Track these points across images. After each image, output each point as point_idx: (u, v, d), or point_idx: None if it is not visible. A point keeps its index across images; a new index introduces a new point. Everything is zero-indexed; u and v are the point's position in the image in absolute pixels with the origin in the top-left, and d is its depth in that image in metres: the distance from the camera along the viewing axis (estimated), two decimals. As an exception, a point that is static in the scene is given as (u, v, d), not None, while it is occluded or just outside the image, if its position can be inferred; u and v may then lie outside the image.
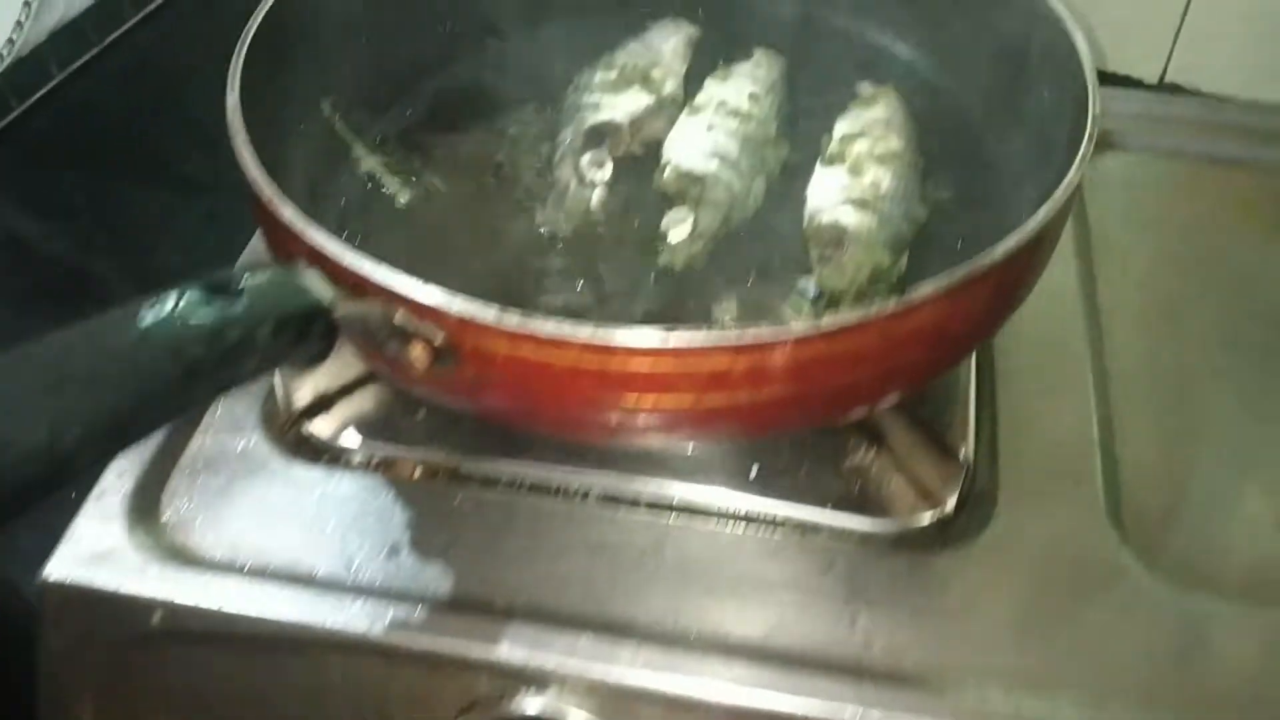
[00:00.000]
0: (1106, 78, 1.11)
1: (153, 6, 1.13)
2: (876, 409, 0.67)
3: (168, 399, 0.45)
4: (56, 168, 0.97)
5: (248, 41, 0.69)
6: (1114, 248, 0.86)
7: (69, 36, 1.04)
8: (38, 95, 1.02)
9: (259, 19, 0.71)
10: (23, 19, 0.94)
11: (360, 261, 0.55)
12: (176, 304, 0.47)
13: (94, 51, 1.09)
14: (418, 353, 0.56)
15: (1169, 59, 1.09)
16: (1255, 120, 0.96)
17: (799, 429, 0.68)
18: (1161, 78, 1.11)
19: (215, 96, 0.64)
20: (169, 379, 0.45)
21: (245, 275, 0.50)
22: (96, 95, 1.04)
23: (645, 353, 0.54)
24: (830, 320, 0.54)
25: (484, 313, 0.54)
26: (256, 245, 0.81)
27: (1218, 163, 0.94)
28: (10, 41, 0.93)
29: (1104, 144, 0.94)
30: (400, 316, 0.55)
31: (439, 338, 0.55)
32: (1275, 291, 0.83)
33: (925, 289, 0.55)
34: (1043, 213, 0.59)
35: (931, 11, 0.85)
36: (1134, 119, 0.96)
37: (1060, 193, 0.61)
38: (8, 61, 0.94)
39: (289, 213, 0.58)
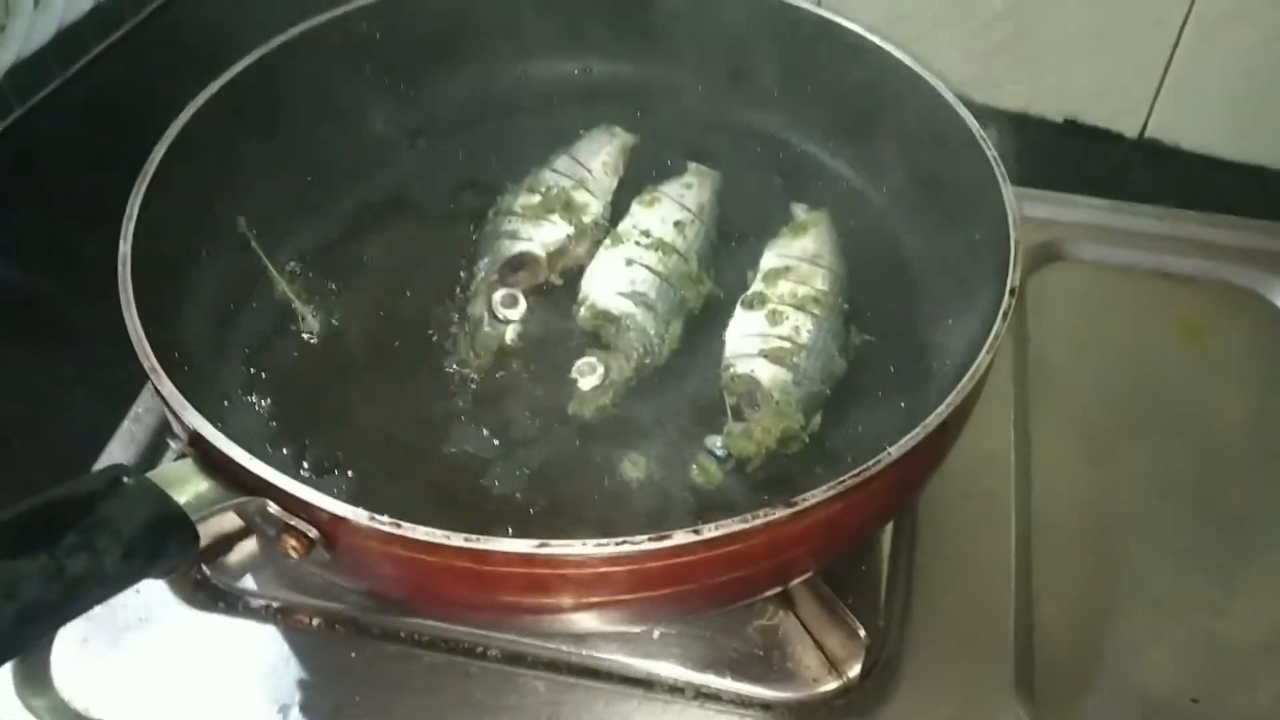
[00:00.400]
0: (1085, 131, 1.12)
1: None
2: (771, 594, 0.66)
3: (-1, 647, 0.44)
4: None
5: (152, 169, 0.69)
6: (1052, 373, 0.84)
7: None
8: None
9: (167, 142, 0.70)
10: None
11: (238, 453, 0.54)
12: (13, 534, 0.45)
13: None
14: (293, 543, 0.55)
15: (1149, 115, 1.10)
16: (1208, 234, 0.94)
17: (687, 617, 0.67)
18: (1141, 133, 1.10)
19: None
20: (2, 623, 0.44)
21: (95, 489, 0.49)
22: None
23: (519, 559, 0.53)
24: (711, 529, 0.53)
25: (356, 514, 0.53)
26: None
27: (1167, 278, 0.92)
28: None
29: (1052, 255, 0.93)
30: (273, 509, 0.54)
31: (314, 531, 0.54)
32: (1213, 431, 0.81)
33: (813, 495, 0.54)
34: (942, 409, 0.58)
35: (870, 132, 0.82)
36: (1084, 229, 0.94)
37: (965, 381, 0.59)
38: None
39: (168, 388, 0.57)
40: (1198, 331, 0.88)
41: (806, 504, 0.53)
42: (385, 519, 0.52)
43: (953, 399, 0.58)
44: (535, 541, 0.52)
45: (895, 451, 0.56)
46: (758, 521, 0.53)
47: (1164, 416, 0.82)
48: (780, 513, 0.53)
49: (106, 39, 1.17)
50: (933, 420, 0.57)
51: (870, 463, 0.55)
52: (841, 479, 0.54)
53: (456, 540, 0.52)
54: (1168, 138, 1.10)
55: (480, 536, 0.52)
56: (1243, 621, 0.71)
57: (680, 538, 0.52)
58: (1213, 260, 0.92)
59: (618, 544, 0.52)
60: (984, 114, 0.98)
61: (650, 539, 0.52)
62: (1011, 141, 1.05)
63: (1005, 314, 0.62)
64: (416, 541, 0.52)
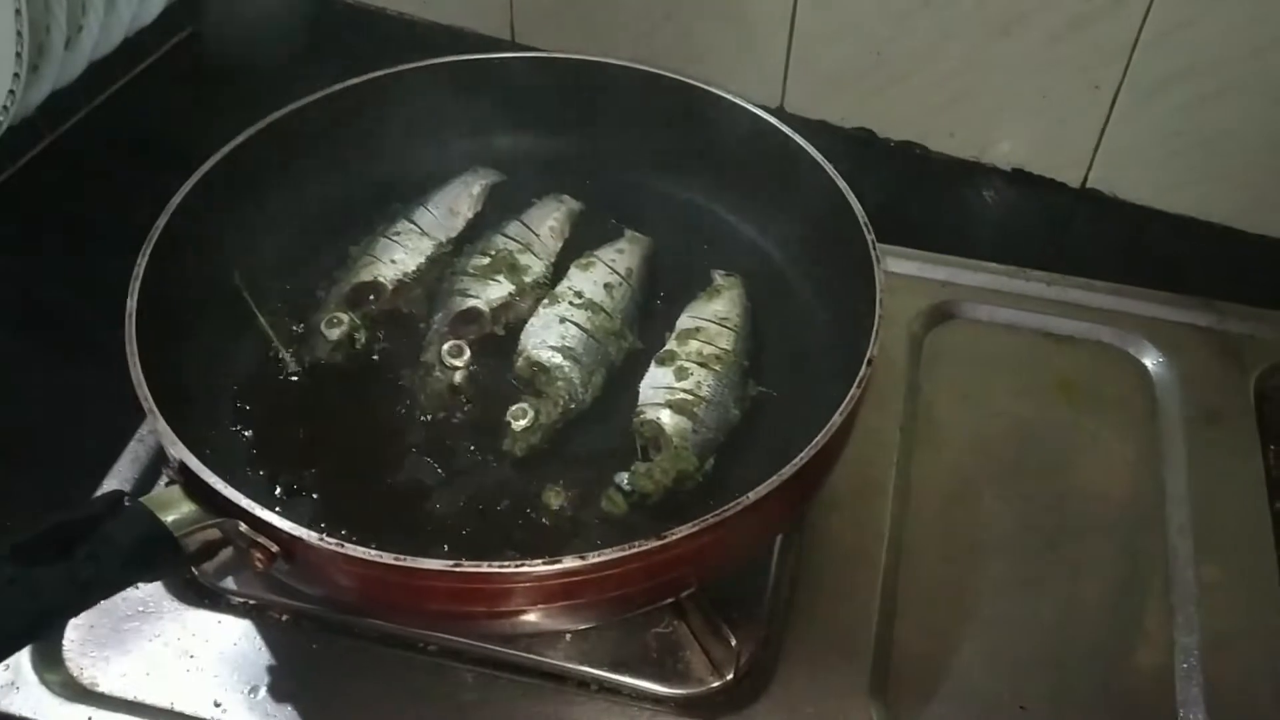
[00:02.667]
0: (1028, 180, 1.23)
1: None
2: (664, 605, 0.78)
3: (26, 635, 0.57)
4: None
5: (156, 234, 0.80)
6: (937, 420, 0.96)
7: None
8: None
9: (170, 210, 0.82)
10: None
11: (214, 481, 0.67)
12: (35, 549, 0.58)
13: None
14: (259, 556, 0.67)
15: (1090, 168, 1.21)
16: (1090, 299, 1.05)
17: (587, 625, 0.79)
18: (1083, 183, 1.21)
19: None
20: (28, 618, 0.57)
21: (99, 512, 0.62)
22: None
23: (438, 575, 0.65)
24: (594, 555, 0.65)
25: (308, 535, 0.65)
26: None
27: (1049, 337, 1.03)
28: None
29: (948, 314, 1.04)
30: (244, 529, 0.67)
31: (275, 546, 0.67)
32: (1069, 476, 0.93)
33: (680, 531, 0.66)
34: (797, 461, 0.69)
35: (780, 208, 0.95)
36: (978, 291, 1.05)
37: (820, 438, 0.71)
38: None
39: (162, 425, 0.70)
40: (1071, 387, 0.99)
41: (674, 537, 0.66)
42: (331, 540, 0.65)
43: (806, 453, 0.70)
44: (451, 561, 0.64)
45: (752, 496, 0.68)
46: (632, 550, 0.65)
47: (1031, 463, 0.94)
48: (651, 544, 0.66)
49: (132, 70, 1.27)
50: (787, 471, 0.69)
51: (730, 505, 0.67)
52: (705, 518, 0.66)
53: (388, 558, 0.65)
54: (1107, 189, 1.21)
55: (408, 556, 0.65)
56: (1069, 644, 0.83)
57: (569, 562, 0.65)
58: (1091, 322, 1.04)
59: (516, 566, 0.65)
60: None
61: (544, 562, 0.65)
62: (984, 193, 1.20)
63: (861, 381, 0.74)
64: (356, 559, 0.65)
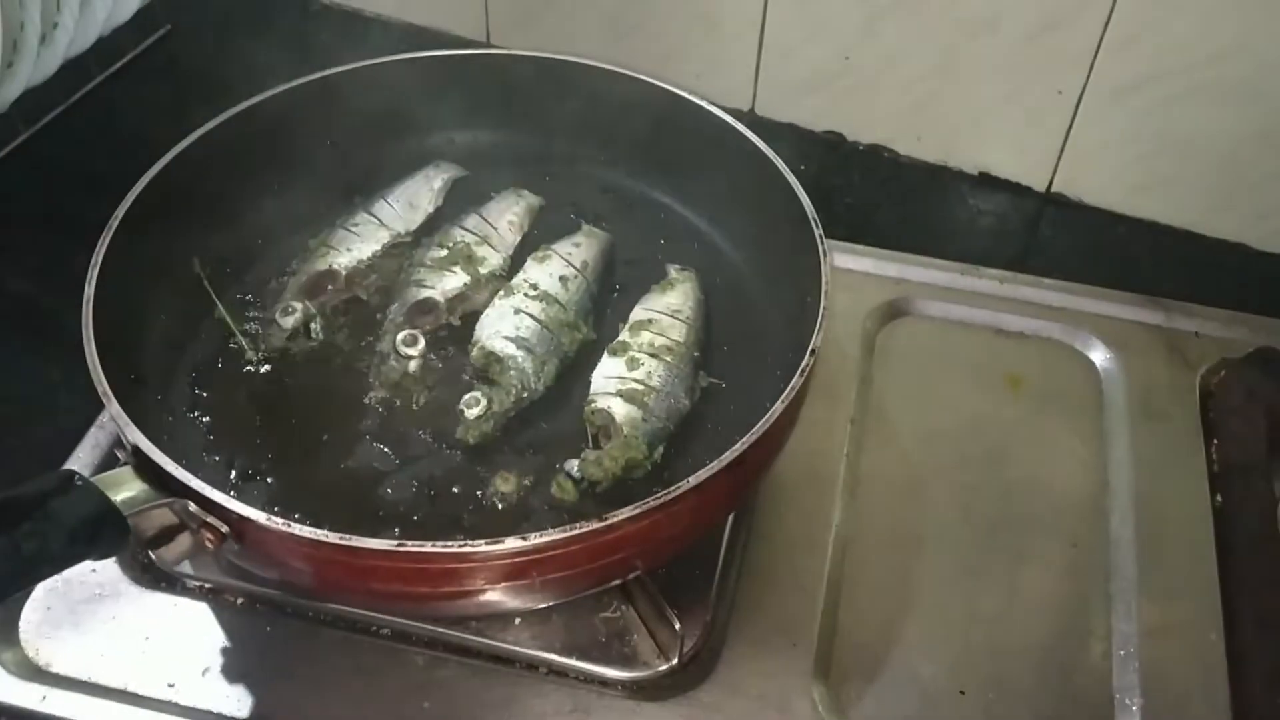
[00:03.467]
0: (994, 183, 1.25)
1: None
2: (614, 584, 0.80)
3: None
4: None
5: (115, 224, 0.82)
6: (888, 413, 0.98)
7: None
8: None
9: (129, 200, 0.84)
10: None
11: (165, 462, 0.68)
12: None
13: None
14: (209, 536, 0.69)
15: (1054, 171, 1.23)
16: (1039, 295, 1.07)
17: (534, 607, 0.80)
18: (1048, 187, 1.23)
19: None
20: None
21: (48, 489, 0.63)
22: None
23: (381, 554, 0.67)
24: (536, 536, 0.67)
25: (256, 515, 0.67)
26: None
27: (1000, 333, 1.05)
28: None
29: (901, 311, 1.06)
30: (193, 508, 0.68)
31: (225, 527, 0.69)
32: (1015, 469, 0.95)
33: (622, 513, 0.68)
34: (737, 448, 0.71)
35: (733, 204, 0.97)
36: (931, 289, 1.07)
37: (760, 425, 0.73)
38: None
39: (115, 409, 0.71)
40: (1019, 382, 1.01)
41: (616, 519, 0.67)
42: (279, 520, 0.66)
43: (746, 440, 0.72)
44: (394, 541, 0.66)
45: (692, 481, 0.69)
46: (574, 532, 0.67)
47: (977, 455, 0.95)
48: (593, 525, 0.67)
49: (108, 69, 1.28)
50: (727, 457, 0.71)
51: (671, 489, 0.69)
52: (646, 500, 0.68)
53: (334, 538, 0.66)
54: (1071, 192, 1.23)
55: (352, 536, 0.66)
56: (1010, 631, 0.85)
57: (511, 543, 0.66)
58: (1040, 319, 1.05)
59: (460, 546, 0.66)
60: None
61: (487, 543, 0.66)
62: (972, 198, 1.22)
63: (803, 370, 0.76)
64: (303, 538, 0.66)
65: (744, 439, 0.72)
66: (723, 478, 0.71)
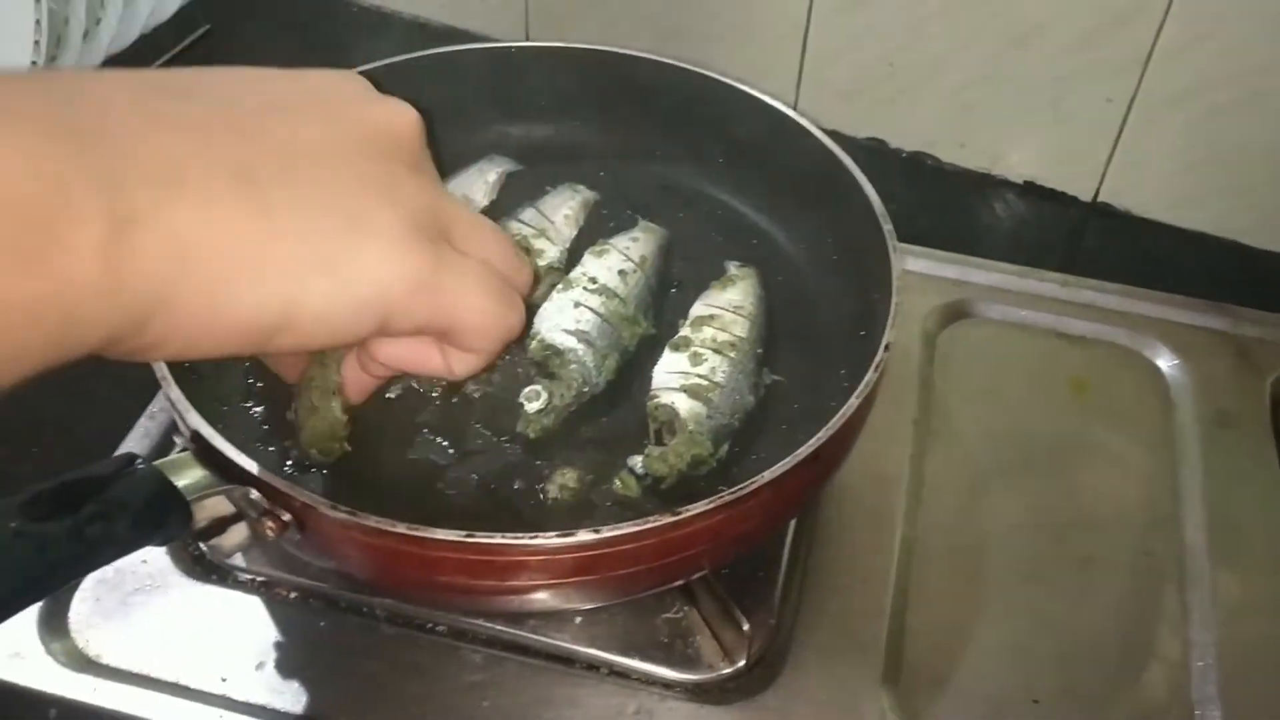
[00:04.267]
0: (1039, 192, 1.23)
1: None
2: (678, 584, 0.77)
3: (33, 589, 0.57)
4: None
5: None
6: (950, 416, 0.96)
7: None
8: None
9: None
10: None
11: (227, 448, 0.66)
12: (44, 504, 0.58)
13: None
14: (270, 524, 0.67)
15: (1101, 181, 1.21)
16: (1103, 300, 1.05)
17: (598, 604, 0.78)
18: (1095, 197, 1.21)
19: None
20: (36, 573, 0.56)
21: (111, 472, 0.61)
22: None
23: (451, 546, 0.65)
24: (609, 530, 0.65)
25: (320, 503, 0.65)
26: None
27: (1062, 337, 1.03)
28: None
29: (962, 313, 1.04)
30: (255, 495, 0.67)
31: (287, 515, 0.67)
32: (1082, 473, 0.93)
33: (695, 508, 0.65)
34: (812, 443, 0.69)
35: (798, 202, 0.95)
36: (992, 290, 1.05)
37: (836, 420, 0.71)
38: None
39: (175, 393, 0.70)
40: (1084, 387, 0.99)
41: (689, 514, 0.65)
42: (343, 508, 0.65)
43: (822, 435, 0.70)
44: (464, 531, 0.64)
45: (768, 475, 0.67)
46: (647, 526, 0.65)
47: (1042, 459, 0.93)
48: (666, 520, 0.65)
49: (148, 67, 1.29)
50: (803, 451, 0.69)
51: (746, 484, 0.67)
52: (720, 495, 0.66)
53: (401, 528, 0.64)
54: (1119, 203, 1.21)
55: (421, 525, 0.64)
56: (1082, 640, 0.82)
57: (582, 535, 0.64)
58: (1104, 324, 1.03)
59: (530, 537, 0.64)
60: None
61: (558, 535, 0.64)
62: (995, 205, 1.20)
63: (877, 365, 0.74)
64: (369, 528, 0.64)
65: (820, 433, 0.70)
66: (798, 473, 0.69)
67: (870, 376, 0.73)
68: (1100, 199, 1.22)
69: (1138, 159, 1.17)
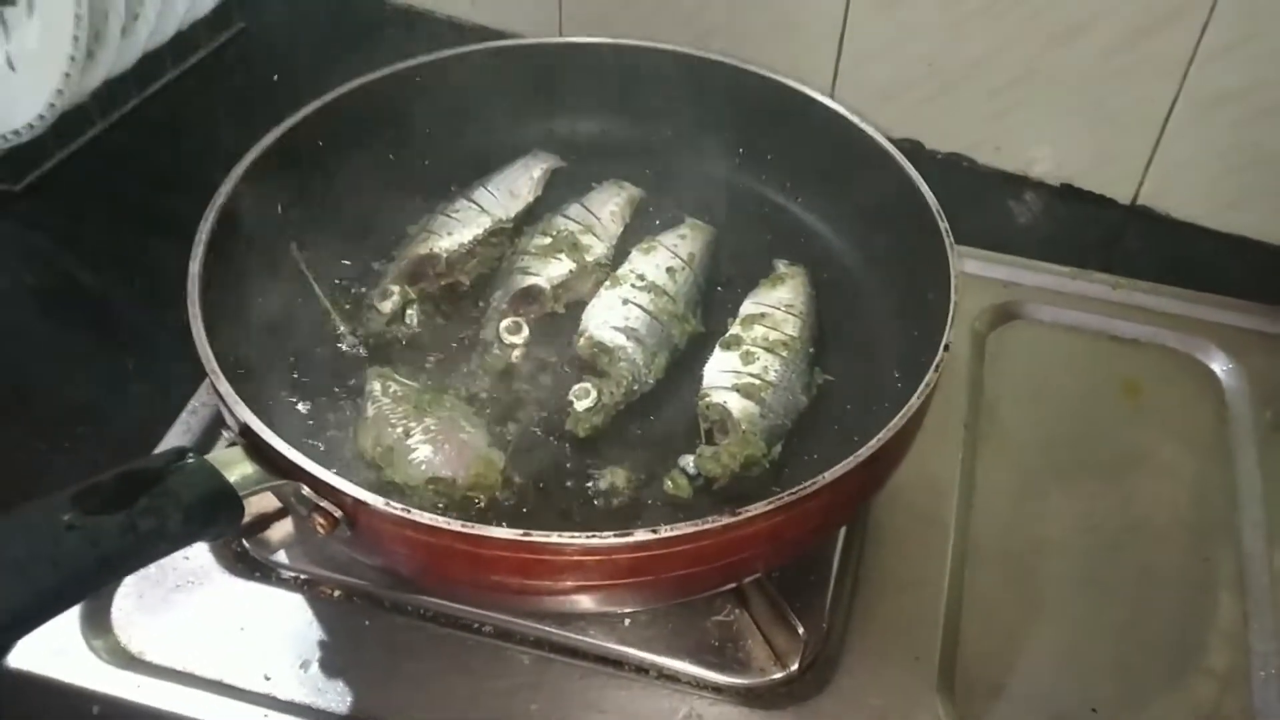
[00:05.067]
0: (1077, 195, 1.21)
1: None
2: (729, 587, 0.76)
3: (84, 584, 0.56)
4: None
5: (220, 201, 0.79)
6: (1001, 418, 0.94)
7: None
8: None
9: (234, 179, 0.81)
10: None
11: (279, 443, 0.65)
12: (97, 497, 0.57)
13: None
14: (321, 521, 0.66)
15: (1141, 184, 1.19)
16: (1155, 302, 1.03)
17: (651, 605, 0.77)
18: (1134, 200, 1.19)
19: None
20: (87, 567, 0.55)
21: (163, 465, 0.60)
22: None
23: (506, 544, 0.63)
24: (667, 529, 0.63)
25: (374, 500, 0.64)
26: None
27: (1114, 340, 1.01)
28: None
29: (1012, 314, 1.03)
30: (306, 491, 0.65)
31: (338, 511, 0.65)
32: (1138, 480, 0.91)
33: (755, 508, 0.64)
34: (873, 443, 0.68)
35: (849, 201, 0.93)
36: (1043, 293, 1.03)
37: (896, 420, 0.69)
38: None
39: (225, 387, 0.68)
40: (1137, 390, 0.97)
41: (749, 514, 0.64)
42: (398, 505, 0.63)
43: (883, 435, 0.68)
44: (520, 530, 0.63)
45: (828, 476, 0.66)
46: (706, 526, 0.63)
47: (1096, 463, 0.91)
48: (726, 520, 0.64)
49: (183, 64, 1.29)
50: (864, 452, 0.67)
51: (806, 484, 0.65)
52: (780, 495, 0.65)
53: (455, 525, 0.63)
54: (1158, 206, 1.20)
55: (475, 524, 0.63)
56: (1140, 648, 0.81)
57: (640, 535, 0.63)
58: (1157, 326, 1.02)
59: (588, 536, 0.63)
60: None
61: (616, 534, 0.63)
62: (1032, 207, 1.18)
63: (937, 366, 0.72)
64: (422, 525, 0.63)
65: (880, 433, 0.68)
66: (858, 474, 0.67)
67: (931, 376, 0.72)
68: (1140, 202, 1.20)
69: (1179, 161, 1.15)
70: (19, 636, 0.54)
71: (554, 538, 0.63)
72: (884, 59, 1.20)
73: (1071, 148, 1.20)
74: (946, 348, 0.73)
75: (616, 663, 0.77)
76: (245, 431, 0.67)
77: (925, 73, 1.19)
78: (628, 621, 0.78)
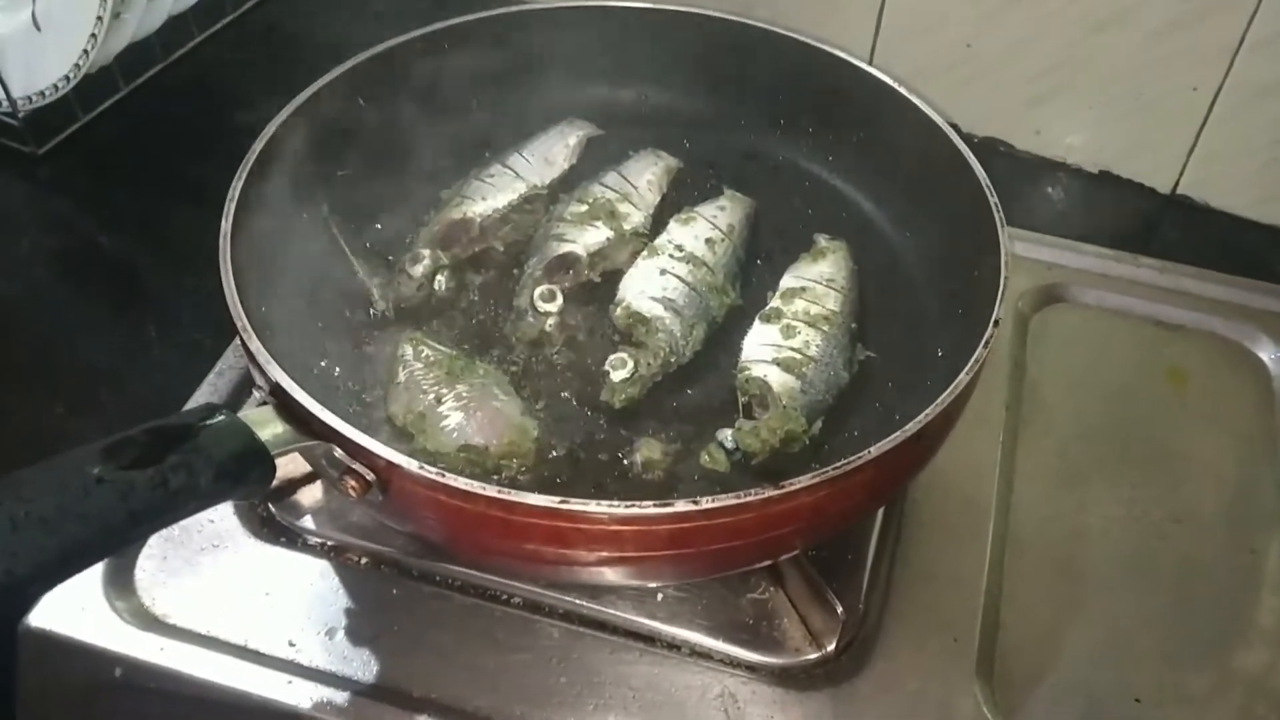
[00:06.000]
0: (1116, 182, 1.19)
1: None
2: (765, 564, 0.74)
3: (111, 539, 0.54)
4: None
5: (251, 159, 0.78)
6: (1043, 402, 0.92)
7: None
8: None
9: (264, 138, 0.80)
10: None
11: (312, 404, 0.63)
12: (128, 451, 0.55)
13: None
14: (352, 483, 0.64)
15: (1181, 173, 1.17)
16: (1202, 288, 1.01)
17: (687, 580, 0.75)
18: (1173, 189, 1.17)
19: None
20: (115, 522, 0.54)
21: (194, 422, 0.59)
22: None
23: (542, 512, 0.62)
24: (709, 501, 0.61)
25: (408, 463, 0.62)
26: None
27: (1160, 325, 0.99)
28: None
29: (1055, 297, 1.00)
30: (338, 453, 0.64)
31: (370, 474, 0.64)
32: (1184, 469, 0.89)
33: (799, 481, 0.62)
34: (921, 419, 0.66)
35: (892, 175, 0.91)
36: (1087, 275, 1.01)
37: (944, 396, 0.67)
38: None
39: (256, 344, 0.67)
40: (1183, 377, 0.95)
41: (793, 488, 0.62)
42: (432, 469, 0.62)
43: (930, 411, 0.66)
44: (557, 498, 0.61)
45: (874, 451, 0.64)
46: (749, 498, 0.62)
47: (1140, 450, 0.89)
48: (769, 493, 0.62)
49: (209, 29, 1.27)
50: (911, 428, 0.65)
51: (852, 459, 0.63)
52: (824, 469, 0.63)
53: (490, 491, 0.61)
54: (1198, 196, 1.17)
55: (511, 490, 0.61)
56: (1185, 638, 0.79)
57: (681, 506, 0.61)
58: (1204, 313, 1.00)
59: (627, 506, 0.61)
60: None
61: (655, 505, 0.61)
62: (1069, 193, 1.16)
63: (987, 341, 0.70)
64: (457, 490, 0.61)
65: (927, 410, 0.66)
66: (903, 451, 0.65)
67: (980, 352, 0.70)
68: (1179, 191, 1.17)
69: (1221, 151, 1.13)
70: (44, 590, 0.53)
71: (592, 506, 0.61)
72: (922, 39, 1.17)
73: (1111, 135, 1.18)
74: (997, 323, 0.71)
75: (648, 638, 0.76)
76: (276, 391, 0.65)
77: (964, 54, 1.17)
78: (660, 596, 0.77)
